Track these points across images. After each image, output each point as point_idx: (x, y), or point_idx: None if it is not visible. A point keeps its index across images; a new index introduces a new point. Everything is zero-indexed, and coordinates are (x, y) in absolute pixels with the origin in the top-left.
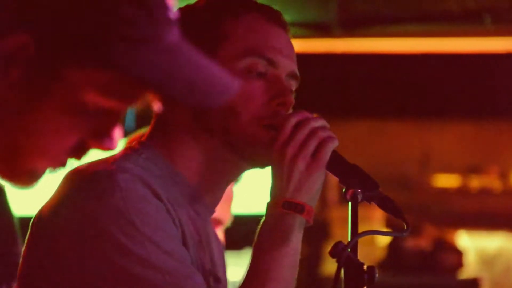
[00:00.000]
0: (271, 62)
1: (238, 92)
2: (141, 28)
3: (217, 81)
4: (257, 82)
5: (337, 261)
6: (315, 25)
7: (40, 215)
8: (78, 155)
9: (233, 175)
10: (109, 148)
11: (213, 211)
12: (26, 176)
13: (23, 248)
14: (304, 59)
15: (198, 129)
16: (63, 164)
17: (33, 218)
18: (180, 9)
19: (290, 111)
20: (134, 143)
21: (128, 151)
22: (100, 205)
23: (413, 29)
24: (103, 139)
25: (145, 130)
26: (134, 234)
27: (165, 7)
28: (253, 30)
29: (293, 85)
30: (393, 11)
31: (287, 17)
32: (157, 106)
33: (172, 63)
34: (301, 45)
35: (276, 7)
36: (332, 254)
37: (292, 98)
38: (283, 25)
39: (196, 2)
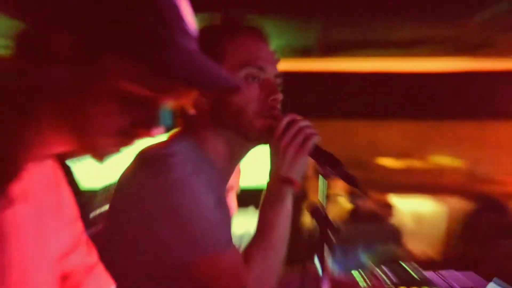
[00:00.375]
0: (262, 69)
1: (242, 95)
2: (177, 34)
3: (224, 75)
4: (254, 86)
5: (312, 215)
6: (299, 48)
7: (116, 188)
8: (132, 137)
9: (243, 155)
10: (150, 135)
11: (228, 181)
12: (97, 152)
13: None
14: (290, 75)
15: (216, 126)
16: (123, 143)
17: (109, 190)
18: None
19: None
20: (173, 136)
21: (174, 141)
22: (163, 181)
23: (375, 53)
24: (146, 126)
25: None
26: (186, 202)
27: (190, 24)
28: (245, 47)
29: (279, 82)
30: (359, 39)
31: (278, 42)
32: (184, 110)
33: (194, 63)
34: (288, 65)
35: (274, 36)
36: (310, 211)
37: (280, 93)
38: (265, 39)
39: (202, 26)
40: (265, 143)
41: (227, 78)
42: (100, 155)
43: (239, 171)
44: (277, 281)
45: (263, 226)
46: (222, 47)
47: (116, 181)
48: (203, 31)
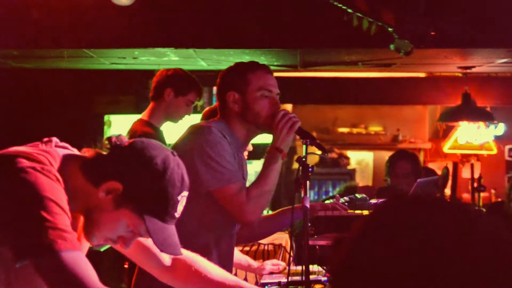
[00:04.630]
0: (270, 91)
1: (258, 105)
2: (172, 212)
3: (174, 245)
4: (265, 100)
5: (298, 163)
6: (288, 66)
7: (176, 143)
8: (114, 243)
9: (253, 136)
10: (127, 246)
11: (244, 149)
12: (90, 240)
13: None
14: (281, 81)
15: (241, 119)
16: (112, 242)
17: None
18: (229, 68)
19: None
20: (213, 119)
21: (215, 120)
22: (205, 139)
23: (337, 68)
24: (126, 243)
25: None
26: (217, 153)
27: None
28: (260, 78)
29: (278, 97)
30: (325, 59)
31: (274, 61)
32: (221, 107)
33: (164, 236)
34: (283, 75)
35: (266, 58)
36: (297, 160)
37: (279, 103)
38: (271, 71)
39: (236, 63)
40: (267, 132)
41: (176, 247)
42: (90, 239)
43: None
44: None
45: (261, 174)
46: (248, 77)
47: (176, 142)
48: (236, 66)
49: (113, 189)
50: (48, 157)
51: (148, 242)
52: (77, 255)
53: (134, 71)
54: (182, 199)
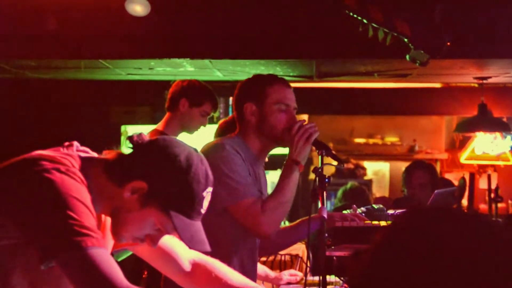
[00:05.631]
0: (286, 105)
1: (276, 118)
2: (198, 208)
3: (202, 241)
4: (283, 115)
5: (315, 174)
6: (303, 76)
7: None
8: (142, 241)
9: (269, 150)
10: (155, 244)
11: (261, 163)
12: (117, 238)
13: None
14: (297, 91)
15: (258, 132)
16: (140, 241)
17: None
18: (247, 80)
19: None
20: (232, 134)
21: (230, 137)
22: (218, 156)
23: (351, 79)
24: (153, 241)
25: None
26: (230, 169)
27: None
28: (278, 91)
29: (295, 110)
30: (340, 70)
31: (289, 72)
32: (239, 120)
33: (191, 232)
34: (298, 86)
35: (282, 68)
36: (313, 171)
37: (296, 118)
38: (289, 85)
39: (253, 75)
40: (283, 146)
41: (203, 243)
42: (119, 240)
43: None
44: (285, 218)
45: (278, 187)
46: (266, 90)
47: None
48: (254, 78)
49: (138, 189)
50: (71, 160)
51: (168, 247)
52: (104, 253)
53: (150, 82)
54: (207, 195)
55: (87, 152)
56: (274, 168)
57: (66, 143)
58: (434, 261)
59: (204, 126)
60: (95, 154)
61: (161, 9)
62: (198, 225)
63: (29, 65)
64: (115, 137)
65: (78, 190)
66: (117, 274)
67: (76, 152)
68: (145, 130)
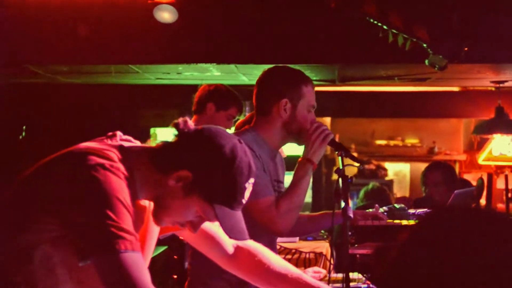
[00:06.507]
0: (314, 107)
1: (303, 118)
2: (240, 199)
3: (242, 231)
4: (309, 115)
5: (338, 174)
6: (326, 80)
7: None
8: (183, 226)
9: (285, 143)
10: (195, 230)
11: (275, 156)
12: (158, 222)
13: None
14: (320, 95)
15: (283, 127)
16: (180, 225)
17: None
18: (279, 73)
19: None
20: (247, 126)
21: (244, 131)
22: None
23: (372, 83)
24: (194, 227)
25: (250, 120)
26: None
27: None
28: (311, 92)
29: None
30: (363, 75)
31: (312, 76)
32: (259, 114)
33: (233, 223)
34: (321, 89)
35: (305, 72)
36: (336, 171)
37: (315, 118)
38: (313, 85)
39: (284, 71)
40: (299, 143)
41: (243, 233)
42: (159, 223)
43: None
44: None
45: (292, 186)
46: (302, 90)
47: None
48: (288, 74)
49: (182, 177)
50: (116, 152)
51: (212, 231)
52: (136, 257)
53: (178, 86)
54: (249, 186)
55: (130, 141)
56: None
57: (110, 133)
58: (460, 260)
59: (229, 129)
60: (138, 143)
61: (189, 16)
62: (238, 215)
63: (61, 70)
64: (145, 139)
65: (121, 189)
66: (144, 278)
67: (120, 141)
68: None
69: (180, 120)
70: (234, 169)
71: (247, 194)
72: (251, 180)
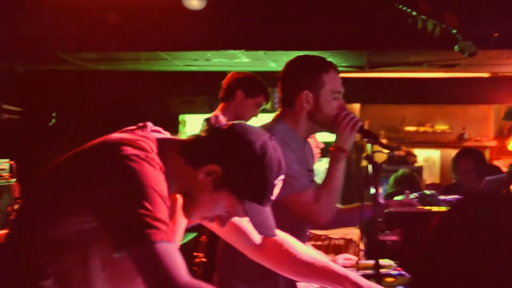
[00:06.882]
0: (339, 93)
1: (329, 106)
2: (269, 195)
3: (270, 226)
4: (335, 102)
5: (368, 161)
6: (355, 66)
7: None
8: (211, 221)
9: (314, 133)
10: (224, 224)
11: (304, 145)
12: (188, 216)
13: None
14: (349, 81)
15: (309, 118)
16: (208, 220)
17: None
18: (299, 64)
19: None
20: (276, 117)
21: (275, 122)
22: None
23: (401, 69)
24: (222, 222)
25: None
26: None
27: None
28: (333, 79)
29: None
30: (392, 61)
31: (341, 63)
32: (286, 104)
33: (262, 219)
34: (350, 76)
35: (334, 59)
36: (366, 158)
37: (345, 104)
38: (338, 70)
39: (304, 61)
40: (328, 131)
41: (272, 229)
42: (189, 217)
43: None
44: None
45: (327, 176)
46: (322, 78)
47: None
48: (307, 64)
49: (212, 172)
50: (149, 143)
51: (239, 221)
52: (171, 247)
53: (206, 73)
54: (279, 182)
55: (160, 132)
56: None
57: (140, 124)
58: (492, 245)
59: (256, 117)
60: (168, 134)
61: (217, 3)
62: (268, 211)
63: (91, 57)
64: (174, 126)
65: (157, 180)
66: (180, 269)
67: (151, 133)
68: (203, 119)
69: (212, 115)
70: (264, 166)
71: (276, 190)
72: (281, 177)
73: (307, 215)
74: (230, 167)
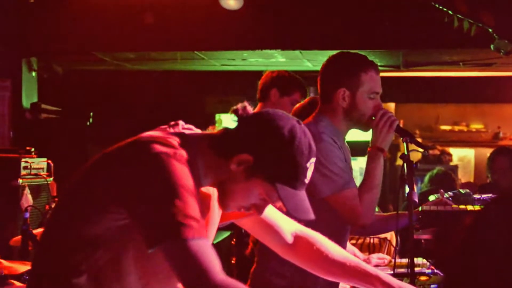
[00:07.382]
0: (377, 93)
1: (365, 105)
2: (302, 178)
3: (307, 210)
4: (372, 102)
5: (403, 160)
6: (390, 66)
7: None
8: (247, 210)
9: (350, 129)
10: (260, 212)
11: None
12: (224, 207)
13: None
14: (384, 80)
15: (345, 115)
16: (245, 210)
17: None
18: (339, 62)
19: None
20: (315, 114)
21: (317, 119)
22: (317, 148)
23: (437, 68)
24: (258, 210)
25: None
26: (330, 161)
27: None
28: (372, 79)
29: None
30: (428, 60)
31: (377, 62)
32: (324, 102)
33: (297, 202)
34: (385, 75)
35: (371, 58)
36: (401, 157)
37: (381, 104)
38: (378, 70)
39: (344, 58)
40: (363, 129)
41: (308, 212)
42: (225, 209)
43: None
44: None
45: (367, 177)
46: (361, 77)
47: None
48: (347, 62)
49: (243, 161)
50: (178, 140)
51: (271, 219)
52: (204, 244)
53: (243, 72)
54: (311, 165)
55: (192, 130)
56: (363, 155)
57: (172, 122)
58: None
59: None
60: (199, 131)
61: (254, 3)
62: (302, 194)
63: (128, 57)
64: (210, 125)
65: (186, 177)
66: (214, 266)
67: (182, 130)
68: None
69: (239, 105)
70: (294, 149)
71: (309, 173)
72: (312, 160)
73: (350, 215)
74: (261, 154)
